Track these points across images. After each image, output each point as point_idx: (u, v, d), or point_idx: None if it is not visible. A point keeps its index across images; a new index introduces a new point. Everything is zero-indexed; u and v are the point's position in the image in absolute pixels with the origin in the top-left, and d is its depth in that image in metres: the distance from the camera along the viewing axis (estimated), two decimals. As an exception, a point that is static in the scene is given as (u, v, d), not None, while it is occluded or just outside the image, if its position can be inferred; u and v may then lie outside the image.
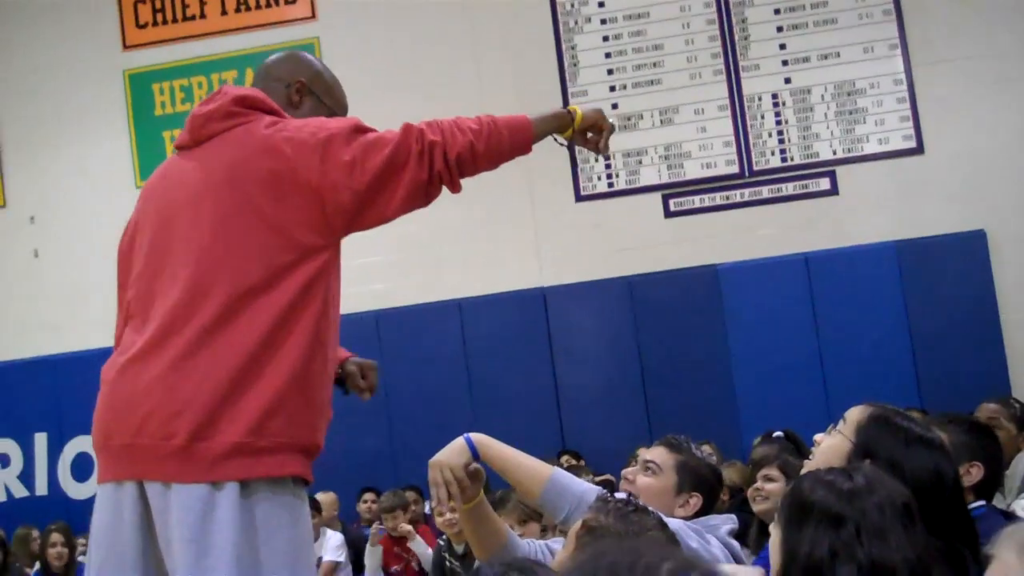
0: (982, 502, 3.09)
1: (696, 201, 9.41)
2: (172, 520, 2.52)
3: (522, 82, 9.57)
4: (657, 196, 9.47)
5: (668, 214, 9.44)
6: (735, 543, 3.01)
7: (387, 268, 9.56)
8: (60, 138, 10.27)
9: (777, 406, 8.20)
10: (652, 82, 9.59)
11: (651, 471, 3.12)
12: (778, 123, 9.37)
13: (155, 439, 2.55)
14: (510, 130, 2.80)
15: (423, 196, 2.73)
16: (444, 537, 6.82)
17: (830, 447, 2.47)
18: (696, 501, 3.08)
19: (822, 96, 9.34)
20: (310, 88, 2.93)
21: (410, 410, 9.17)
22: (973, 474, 3.08)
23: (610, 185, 9.56)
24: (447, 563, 6.66)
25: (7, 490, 9.90)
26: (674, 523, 2.67)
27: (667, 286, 9.16)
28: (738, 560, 2.92)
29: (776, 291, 8.96)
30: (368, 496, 8.60)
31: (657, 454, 3.16)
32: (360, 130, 2.67)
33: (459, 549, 6.64)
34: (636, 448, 8.32)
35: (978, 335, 8.67)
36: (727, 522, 3.03)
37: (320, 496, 8.07)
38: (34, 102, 10.31)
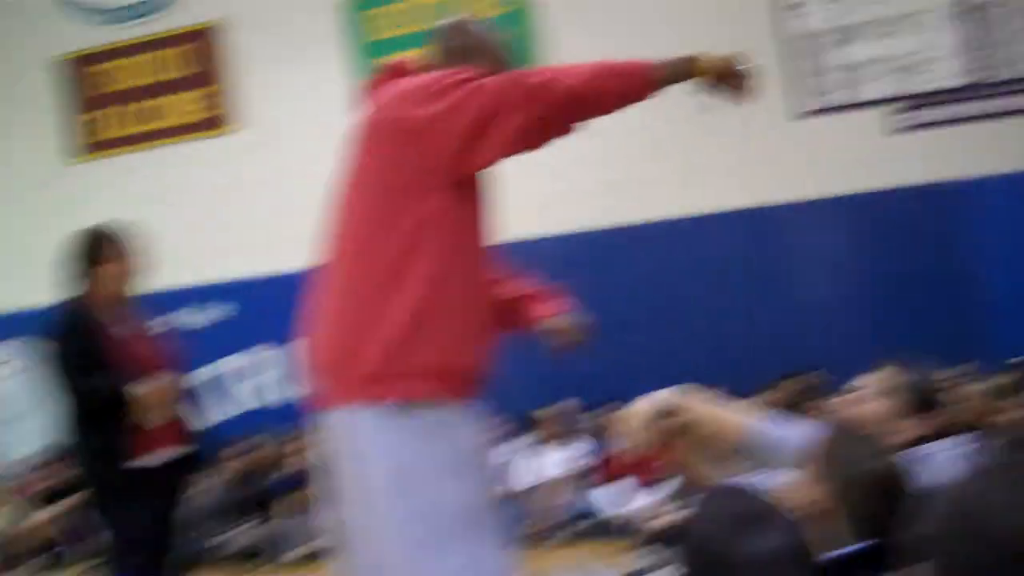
0: None
1: (928, 115, 9.14)
2: (331, 440, 2.93)
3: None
4: (887, 110, 9.24)
5: (898, 129, 9.20)
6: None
7: (600, 188, 9.60)
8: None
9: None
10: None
11: (877, 397, 3.04)
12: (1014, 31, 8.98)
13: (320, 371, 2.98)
14: (622, 76, 2.80)
15: (524, 141, 2.81)
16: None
17: None
18: (924, 424, 2.99)
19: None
20: (474, 50, 3.09)
21: (634, 329, 9.18)
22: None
23: (835, 98, 9.33)
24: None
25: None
26: None
27: (908, 203, 8.94)
28: None
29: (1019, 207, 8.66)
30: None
31: (880, 377, 3.08)
32: (467, 80, 2.80)
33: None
34: (883, 366, 8.25)
35: None
36: (959, 445, 2.94)
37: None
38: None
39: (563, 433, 8.38)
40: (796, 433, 2.67)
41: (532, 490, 7.93)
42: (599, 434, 8.39)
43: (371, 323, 2.83)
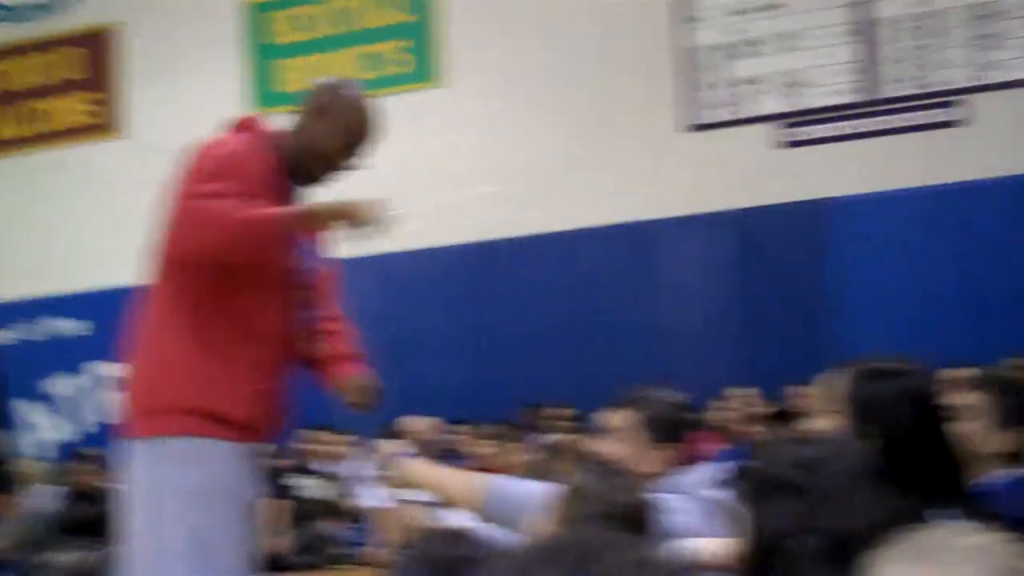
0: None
1: (815, 131, 9.02)
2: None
3: (636, 2, 9.42)
4: (773, 126, 9.12)
5: (784, 145, 9.07)
6: (720, 498, 2.83)
7: (494, 200, 9.48)
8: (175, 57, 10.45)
9: (882, 345, 7.80)
10: (774, 6, 9.19)
11: (619, 437, 3.06)
12: (908, 47, 8.84)
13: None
14: (257, 232, 3.12)
15: (207, 260, 3.17)
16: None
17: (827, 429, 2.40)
18: (666, 455, 3.01)
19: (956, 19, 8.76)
20: (326, 111, 3.42)
21: (508, 342, 9.15)
22: (1017, 439, 2.85)
23: (726, 113, 9.21)
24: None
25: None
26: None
27: (779, 220, 8.84)
28: (724, 517, 2.78)
29: (892, 227, 8.54)
30: (460, 428, 8.58)
31: (620, 418, 3.09)
32: (189, 184, 3.20)
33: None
34: (735, 385, 8.13)
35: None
36: (711, 474, 2.91)
37: (418, 420, 8.14)
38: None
39: (425, 450, 8.18)
40: (540, 488, 2.72)
41: (383, 510, 7.72)
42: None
43: (143, 365, 3.27)
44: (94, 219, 10.40)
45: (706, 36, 9.29)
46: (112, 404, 3.50)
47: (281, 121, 8.82)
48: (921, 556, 1.33)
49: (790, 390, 7.55)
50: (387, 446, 3.28)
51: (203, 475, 3.16)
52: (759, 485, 1.96)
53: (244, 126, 3.45)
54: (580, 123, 9.46)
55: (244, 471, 3.28)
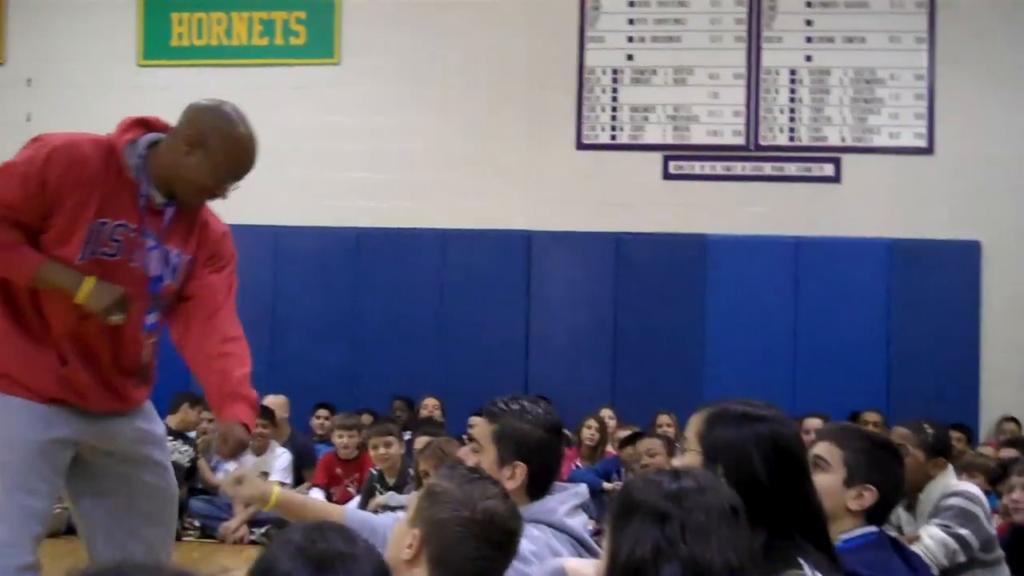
0: (873, 528, 2.93)
1: (697, 167, 9.27)
2: None
3: (536, 15, 9.44)
4: (658, 156, 9.31)
5: (667, 176, 9.29)
6: (577, 524, 2.83)
7: (375, 186, 9.43)
8: (69, 1, 10.08)
9: (744, 386, 8.05)
10: (671, 38, 9.39)
11: (475, 449, 2.95)
12: (791, 100, 9.21)
13: None
14: (10, 260, 3.25)
15: None
16: (377, 468, 6.81)
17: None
18: (521, 471, 2.84)
19: (840, 80, 9.17)
20: (203, 143, 3.30)
21: (378, 332, 9.13)
22: (866, 497, 2.89)
23: (613, 138, 9.39)
24: (376, 492, 6.65)
25: None
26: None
27: (654, 248, 9.04)
28: (582, 542, 2.77)
29: (762, 270, 8.87)
30: (322, 412, 8.53)
31: (478, 429, 2.99)
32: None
33: (390, 481, 6.65)
34: (597, 405, 8.32)
35: (956, 348, 8.61)
36: (568, 499, 2.85)
37: (270, 398, 8.01)
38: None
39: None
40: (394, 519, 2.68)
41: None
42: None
43: None
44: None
45: (604, 58, 9.43)
46: None
47: (169, 79, 8.57)
48: None
49: (663, 416, 7.78)
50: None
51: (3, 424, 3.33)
52: (624, 510, 1.99)
53: (126, 127, 3.37)
54: (468, 122, 9.46)
55: (52, 428, 3.37)
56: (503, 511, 2.35)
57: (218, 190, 3.35)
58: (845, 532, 2.82)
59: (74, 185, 3.22)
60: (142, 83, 9.63)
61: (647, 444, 6.33)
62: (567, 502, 2.84)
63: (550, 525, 2.75)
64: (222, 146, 3.29)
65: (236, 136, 3.33)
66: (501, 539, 2.32)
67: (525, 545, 2.50)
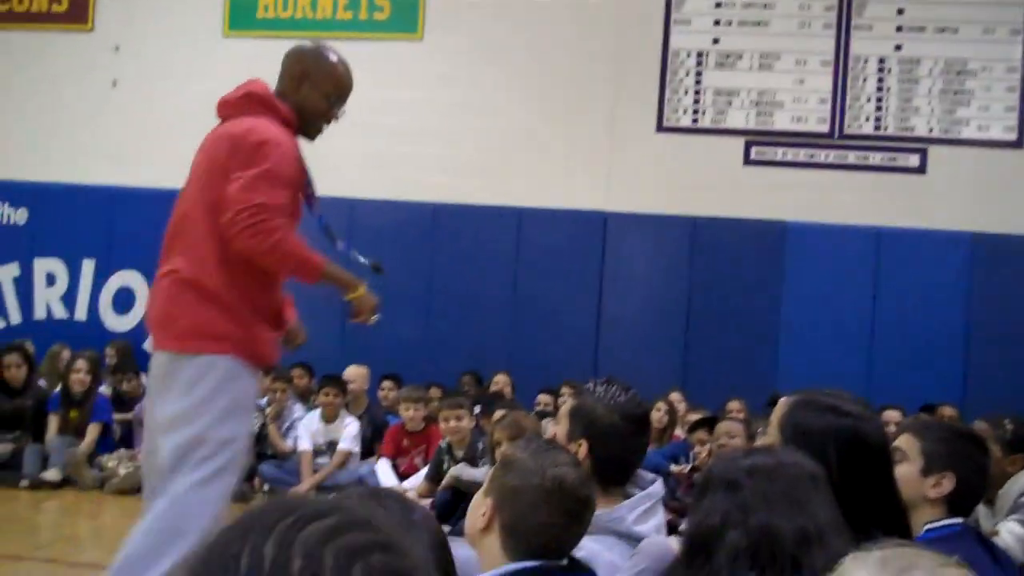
0: (958, 519, 2.88)
1: (779, 153, 9.14)
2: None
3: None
4: (740, 141, 9.21)
5: (748, 161, 9.19)
6: (649, 528, 2.77)
7: (452, 162, 9.44)
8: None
9: (818, 375, 7.98)
10: (758, 23, 9.27)
11: (556, 421, 3.06)
12: (879, 89, 9.05)
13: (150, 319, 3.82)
14: (299, 263, 3.66)
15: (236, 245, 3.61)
16: (446, 440, 6.83)
17: None
18: (583, 450, 2.83)
19: (930, 70, 8.99)
20: (309, 76, 3.83)
21: (451, 307, 9.16)
22: (944, 485, 2.84)
23: (694, 121, 9.31)
24: (446, 464, 6.67)
25: (48, 309, 10.01)
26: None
27: (732, 234, 8.95)
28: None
29: (841, 259, 8.74)
30: (387, 383, 8.57)
31: (564, 404, 3.06)
32: (252, 180, 3.56)
33: (459, 454, 6.65)
34: (667, 388, 8.27)
35: (1038, 344, 8.40)
36: (639, 504, 2.79)
37: (351, 369, 8.12)
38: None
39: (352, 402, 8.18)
40: None
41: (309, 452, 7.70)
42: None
43: (194, 301, 3.68)
44: (44, 110, 10.17)
45: (690, 41, 9.35)
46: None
47: (254, 50, 8.70)
48: (887, 565, 1.38)
49: (733, 403, 7.72)
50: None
51: (235, 390, 3.67)
52: (702, 486, 2.07)
53: (260, 102, 3.79)
54: (548, 102, 9.45)
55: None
56: (573, 478, 2.34)
57: (331, 113, 3.86)
58: (929, 522, 2.78)
59: (303, 170, 3.79)
60: (227, 53, 9.73)
61: (726, 426, 6.28)
62: (637, 507, 2.80)
63: (618, 534, 2.73)
64: (325, 73, 3.83)
65: (333, 63, 3.87)
66: (572, 506, 2.31)
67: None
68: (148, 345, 3.93)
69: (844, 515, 2.19)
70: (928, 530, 2.74)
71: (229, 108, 3.80)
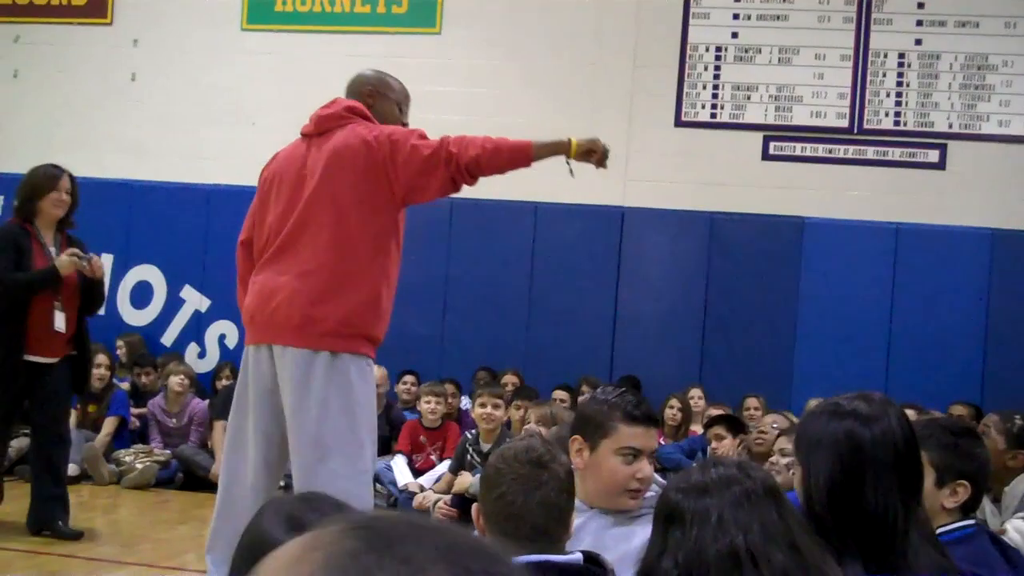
0: (970, 520, 2.86)
1: (798, 148, 9.09)
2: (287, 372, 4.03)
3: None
4: (758, 136, 9.16)
5: (766, 156, 9.14)
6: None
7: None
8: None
9: (835, 373, 7.99)
10: (777, 17, 9.22)
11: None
12: (899, 84, 8.99)
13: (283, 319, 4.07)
14: (511, 152, 4.07)
15: (450, 189, 4.11)
16: (474, 431, 6.83)
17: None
18: (576, 444, 2.93)
19: (950, 65, 8.92)
20: (378, 91, 4.40)
21: (467, 302, 9.14)
22: (960, 493, 2.83)
23: (713, 116, 9.27)
24: (469, 456, 6.66)
25: (65, 303, 10.00)
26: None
27: (749, 229, 8.91)
28: None
29: (860, 256, 8.69)
30: (408, 378, 8.58)
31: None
32: (414, 137, 4.02)
33: (484, 447, 6.64)
34: (684, 384, 8.25)
35: (1057, 344, 8.34)
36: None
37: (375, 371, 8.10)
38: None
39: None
40: None
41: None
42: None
43: (336, 299, 4.05)
44: (62, 104, 10.19)
45: (708, 35, 9.31)
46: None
47: (273, 44, 8.65)
48: None
49: (751, 399, 7.69)
50: None
51: (370, 386, 4.17)
52: (666, 514, 2.02)
53: (361, 114, 4.25)
54: (566, 96, 9.40)
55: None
56: (529, 443, 2.44)
57: (402, 119, 4.40)
58: (941, 526, 2.76)
59: None
60: (245, 47, 9.75)
61: (772, 418, 6.27)
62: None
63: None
64: (390, 87, 4.44)
65: (392, 79, 4.51)
66: (523, 471, 2.35)
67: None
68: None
69: (850, 521, 2.17)
70: (941, 533, 2.71)
71: (331, 121, 4.21)
